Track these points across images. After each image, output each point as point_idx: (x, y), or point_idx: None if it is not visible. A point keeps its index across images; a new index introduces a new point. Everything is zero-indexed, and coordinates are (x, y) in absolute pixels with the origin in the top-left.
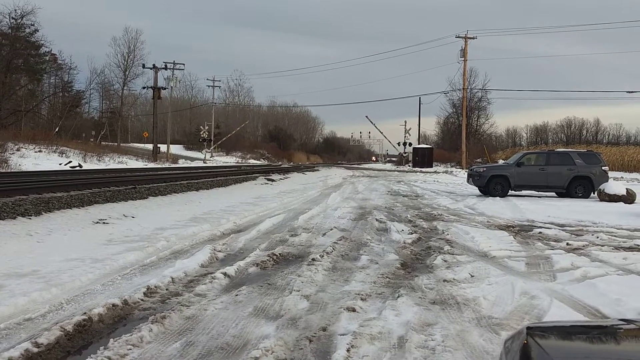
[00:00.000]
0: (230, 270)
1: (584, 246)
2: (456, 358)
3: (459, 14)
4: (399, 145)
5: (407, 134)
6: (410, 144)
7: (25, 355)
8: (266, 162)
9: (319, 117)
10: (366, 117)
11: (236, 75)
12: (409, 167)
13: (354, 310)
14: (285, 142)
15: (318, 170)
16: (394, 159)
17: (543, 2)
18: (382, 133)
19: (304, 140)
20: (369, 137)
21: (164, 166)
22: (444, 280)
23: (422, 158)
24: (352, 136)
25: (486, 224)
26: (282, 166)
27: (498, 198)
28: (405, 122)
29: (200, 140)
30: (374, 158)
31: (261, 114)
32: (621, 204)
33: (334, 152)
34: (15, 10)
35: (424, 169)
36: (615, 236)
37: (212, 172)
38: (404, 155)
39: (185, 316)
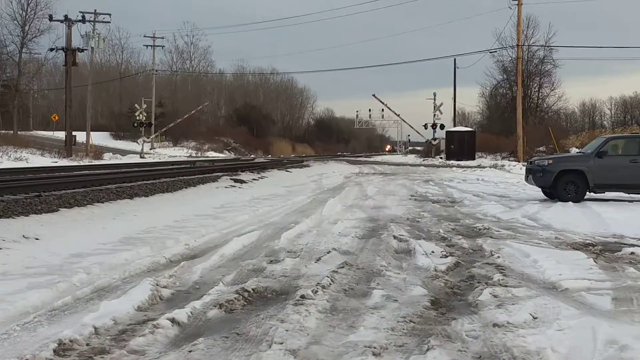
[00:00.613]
0: (181, 314)
1: None
2: None
3: None
4: (425, 129)
5: (437, 112)
6: (442, 127)
7: None
8: (233, 155)
9: (310, 90)
10: (373, 95)
11: (187, 30)
12: (440, 160)
13: None
14: (260, 126)
15: (308, 166)
16: (418, 148)
17: None
18: (398, 116)
19: (287, 123)
20: (382, 116)
21: (82, 164)
22: (494, 325)
23: (460, 146)
24: (357, 116)
25: (554, 242)
26: (257, 161)
27: (570, 203)
28: (435, 95)
29: (136, 125)
30: (389, 147)
31: (225, 86)
32: None
33: (332, 140)
34: None
35: (462, 162)
36: None
37: (153, 171)
38: (433, 143)
39: None
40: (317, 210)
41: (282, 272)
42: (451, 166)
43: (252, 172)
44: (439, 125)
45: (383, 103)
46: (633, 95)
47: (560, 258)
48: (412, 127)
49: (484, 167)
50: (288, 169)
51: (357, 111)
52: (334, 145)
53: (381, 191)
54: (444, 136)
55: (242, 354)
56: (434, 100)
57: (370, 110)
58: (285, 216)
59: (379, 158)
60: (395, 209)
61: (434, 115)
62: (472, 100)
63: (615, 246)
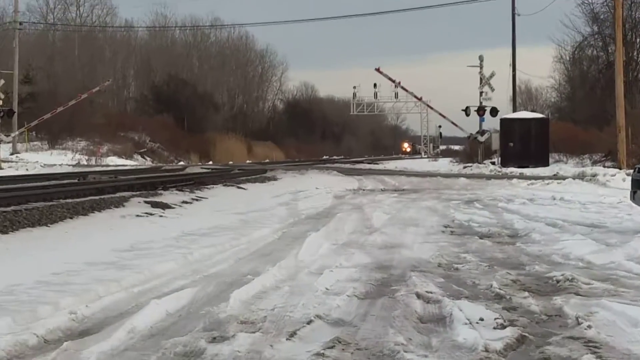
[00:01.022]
0: None
1: None
2: None
3: None
4: (466, 115)
5: (485, 88)
6: (494, 112)
7: None
8: (150, 163)
9: (276, 54)
10: (377, 70)
11: None
12: (492, 167)
13: None
14: (194, 114)
15: (275, 178)
16: (455, 147)
17: None
18: (420, 100)
19: (239, 108)
20: (395, 95)
21: None
22: None
23: (524, 144)
24: (355, 96)
25: None
26: (189, 171)
27: None
28: (481, 60)
29: None
30: (407, 146)
31: (136, 49)
32: None
33: (314, 135)
34: None
35: (527, 170)
36: None
37: (14, 191)
38: (480, 139)
39: None
40: (291, 253)
41: (233, 357)
42: (510, 176)
43: (181, 190)
44: (488, 109)
45: (393, 81)
46: None
47: None
48: (442, 116)
49: (564, 178)
50: (241, 185)
51: (354, 88)
52: (316, 145)
53: (395, 219)
54: (498, 127)
55: None
56: (480, 68)
57: (376, 86)
58: (237, 263)
59: (391, 164)
60: (419, 249)
61: (481, 93)
62: (541, 68)
63: None
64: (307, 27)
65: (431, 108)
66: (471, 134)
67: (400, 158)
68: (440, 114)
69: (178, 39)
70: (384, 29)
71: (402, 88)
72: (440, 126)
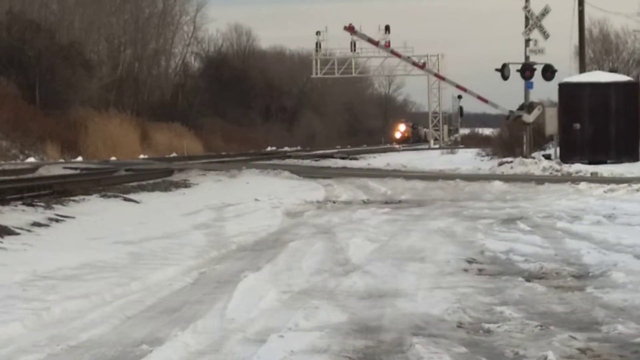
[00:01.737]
0: None
1: None
2: None
3: None
4: (504, 78)
5: (532, 31)
6: (548, 73)
7: None
8: None
9: None
10: (348, 29)
11: None
12: (547, 164)
13: None
14: (51, 80)
15: (188, 184)
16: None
17: None
18: (417, 65)
19: (127, 69)
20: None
21: None
22: None
23: (599, 126)
24: (318, 48)
25: None
26: (43, 174)
27: None
28: None
29: None
30: (402, 130)
31: None
32: None
33: (252, 113)
34: None
35: (603, 168)
36: None
37: None
38: (526, 119)
39: None
40: (214, 307)
41: None
42: (575, 179)
43: (31, 204)
44: (539, 69)
45: (376, 43)
46: None
47: None
48: (461, 89)
49: None
50: (131, 196)
51: (317, 34)
52: (256, 129)
53: (387, 251)
54: (555, 99)
55: None
56: (526, 2)
57: (354, 31)
58: (125, 324)
59: (380, 159)
60: (426, 300)
61: (527, 42)
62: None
63: None
64: None
65: (440, 78)
66: (511, 111)
67: (394, 149)
68: (458, 86)
69: None
70: None
71: (394, 54)
72: (460, 97)
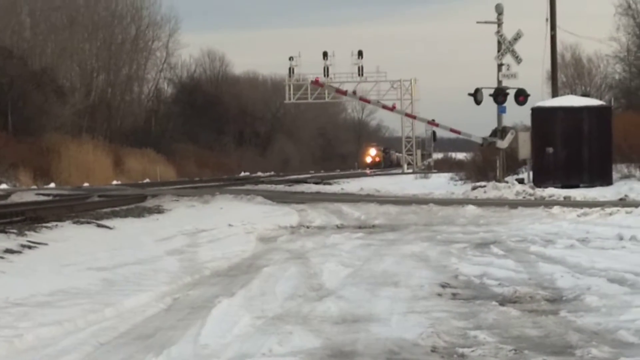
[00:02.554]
0: None
1: None
2: None
3: None
4: (476, 103)
5: (505, 56)
6: (520, 97)
7: None
8: None
9: (158, 4)
10: (315, 83)
11: None
12: (521, 188)
13: None
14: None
15: (161, 211)
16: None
17: None
18: (385, 107)
19: (99, 95)
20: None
21: None
22: None
23: (572, 150)
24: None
25: None
26: (15, 200)
27: None
28: (500, 11)
29: None
30: (373, 154)
31: None
32: None
33: (225, 138)
34: None
35: (576, 192)
36: None
37: None
38: (499, 145)
39: None
40: (187, 333)
41: None
42: (549, 203)
43: (4, 231)
44: (512, 93)
45: (352, 95)
46: None
47: None
48: (433, 124)
49: (638, 205)
50: (105, 222)
51: (290, 60)
52: (229, 154)
53: (361, 275)
54: (528, 123)
55: None
56: (498, 26)
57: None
58: (98, 351)
59: (354, 184)
60: (401, 324)
61: (500, 66)
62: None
63: None
64: None
65: (411, 117)
66: (484, 138)
67: (365, 175)
68: (429, 122)
69: None
70: None
71: (363, 100)
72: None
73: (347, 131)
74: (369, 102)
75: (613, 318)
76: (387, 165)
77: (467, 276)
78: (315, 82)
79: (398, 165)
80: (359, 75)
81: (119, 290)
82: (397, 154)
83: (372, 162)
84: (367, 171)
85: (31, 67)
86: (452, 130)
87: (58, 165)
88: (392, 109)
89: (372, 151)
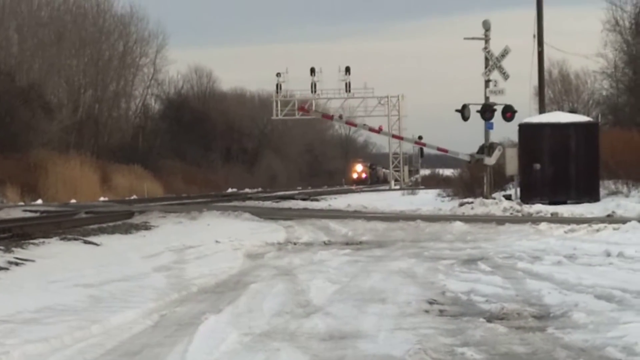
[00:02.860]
0: None
1: None
2: None
3: None
4: (464, 119)
5: (492, 72)
6: (508, 114)
7: None
8: None
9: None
10: (301, 109)
11: None
12: (508, 204)
13: None
14: (11, 121)
15: (148, 227)
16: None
17: None
18: (372, 129)
19: (87, 111)
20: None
21: None
22: None
23: (559, 166)
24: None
25: None
26: (2, 217)
27: None
28: (487, 28)
29: None
30: (359, 171)
31: None
32: None
33: (212, 155)
34: None
35: (563, 208)
36: None
37: None
38: (487, 161)
39: None
40: (174, 350)
41: None
42: (536, 219)
43: None
44: (499, 109)
45: (328, 117)
46: None
47: None
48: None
49: (624, 221)
50: (91, 238)
51: (278, 76)
52: (216, 170)
53: (348, 292)
54: (515, 139)
55: None
56: (485, 42)
57: (314, 72)
58: None
59: (341, 201)
60: (387, 341)
61: (487, 82)
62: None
63: None
64: None
65: (399, 138)
66: (471, 155)
67: (351, 192)
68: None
69: None
70: None
71: (350, 123)
72: (420, 137)
73: (334, 147)
74: (355, 125)
75: (600, 335)
76: (373, 181)
77: (455, 293)
78: (301, 109)
79: (385, 181)
80: (346, 91)
81: (105, 307)
82: (384, 170)
83: (358, 178)
84: (354, 187)
85: (18, 83)
86: (439, 149)
87: (45, 181)
88: (379, 131)
89: (359, 167)
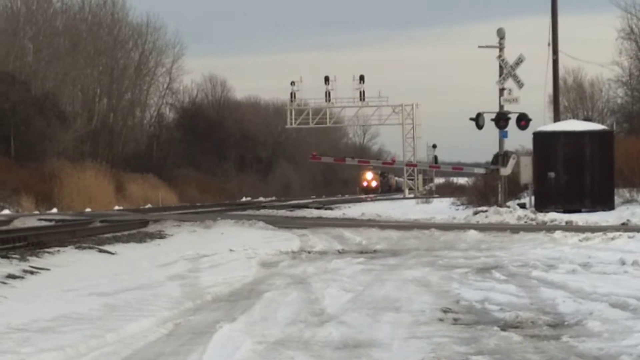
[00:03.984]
0: None
1: None
2: None
3: None
4: (478, 127)
5: (506, 80)
6: (522, 122)
7: None
8: None
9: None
10: (313, 157)
11: None
12: (522, 212)
13: None
14: (26, 131)
15: (162, 236)
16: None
17: None
18: (386, 163)
19: (102, 120)
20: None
21: None
22: None
23: (574, 175)
24: (293, 98)
25: None
26: (17, 226)
27: None
28: (501, 36)
29: None
30: (369, 179)
31: None
32: None
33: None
34: None
35: (578, 216)
36: None
37: None
38: (503, 171)
39: None
40: (189, 358)
41: None
42: (550, 227)
43: (6, 256)
44: (514, 118)
45: (340, 160)
46: None
47: None
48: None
49: (639, 229)
50: (106, 247)
51: (292, 85)
52: (230, 179)
53: (362, 300)
54: (530, 147)
55: None
56: (500, 50)
57: (328, 80)
58: None
59: (355, 209)
60: (402, 350)
61: (502, 91)
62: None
63: None
64: None
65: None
66: (487, 168)
67: (365, 200)
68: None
69: None
70: None
71: (362, 162)
72: (434, 146)
73: (348, 156)
74: (368, 162)
75: (615, 343)
76: (385, 190)
77: (469, 301)
78: (313, 157)
79: (397, 190)
80: (360, 99)
81: (120, 316)
82: (396, 178)
83: (368, 186)
84: (363, 196)
85: (34, 92)
86: (454, 169)
87: (60, 190)
88: (392, 163)
89: (369, 175)
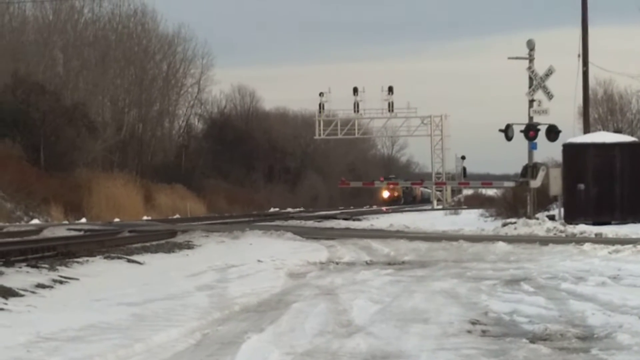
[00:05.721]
0: None
1: None
2: None
3: None
4: (507, 139)
5: (536, 92)
6: (552, 133)
7: None
8: None
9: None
10: (342, 182)
11: None
12: (551, 224)
13: None
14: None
15: (191, 247)
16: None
17: None
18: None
19: (130, 130)
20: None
21: None
22: None
23: (604, 187)
24: (321, 109)
25: None
26: (47, 235)
27: None
28: (531, 47)
29: None
30: (390, 189)
31: None
32: None
33: (255, 174)
34: None
35: (608, 228)
36: None
37: None
38: (533, 184)
39: None
40: None
41: None
42: (580, 239)
43: (36, 266)
44: (543, 129)
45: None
46: None
47: None
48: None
49: None
50: (135, 257)
51: (320, 95)
52: (259, 190)
53: (390, 312)
54: (559, 159)
55: None
56: (530, 61)
57: (357, 91)
58: None
59: (383, 220)
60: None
61: (531, 102)
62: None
63: None
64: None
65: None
66: (516, 181)
67: (397, 210)
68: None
69: (30, 16)
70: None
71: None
72: (463, 157)
73: (376, 167)
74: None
75: None
76: (408, 201)
77: (497, 313)
78: (342, 183)
79: (424, 200)
80: (389, 111)
81: (148, 326)
82: (421, 188)
83: (389, 197)
84: (383, 208)
85: (63, 102)
86: (484, 184)
87: (89, 200)
88: (421, 183)
89: (388, 190)
